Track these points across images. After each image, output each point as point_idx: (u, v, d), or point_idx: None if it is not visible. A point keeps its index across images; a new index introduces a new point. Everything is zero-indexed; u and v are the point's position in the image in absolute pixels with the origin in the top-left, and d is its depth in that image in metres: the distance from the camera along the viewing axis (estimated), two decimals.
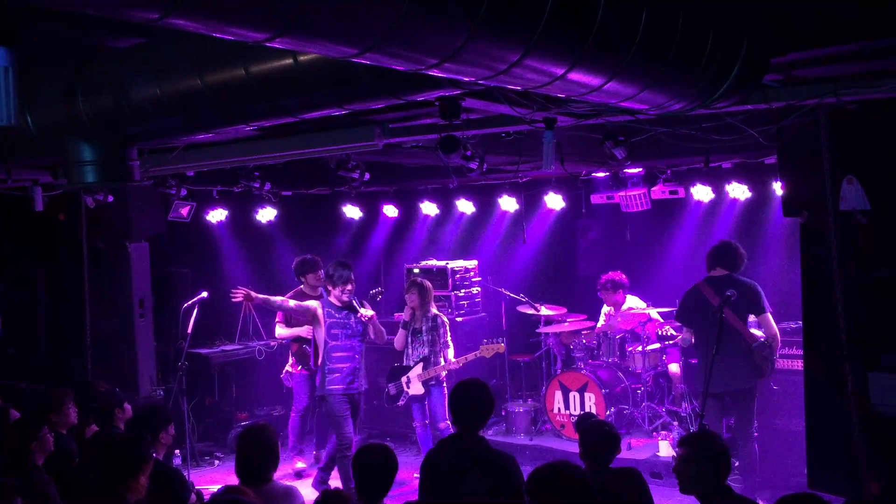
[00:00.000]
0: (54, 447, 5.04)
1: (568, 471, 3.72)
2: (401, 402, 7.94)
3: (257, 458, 4.31)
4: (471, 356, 7.87)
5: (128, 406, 5.74)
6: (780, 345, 6.87)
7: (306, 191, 9.70)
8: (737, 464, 7.45)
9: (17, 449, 4.83)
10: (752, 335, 6.79)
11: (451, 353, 7.88)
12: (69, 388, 5.99)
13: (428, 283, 8.01)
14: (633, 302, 8.77)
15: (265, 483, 4.23)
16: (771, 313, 6.83)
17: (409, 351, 7.91)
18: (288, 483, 4.78)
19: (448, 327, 7.96)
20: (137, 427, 5.06)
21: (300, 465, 8.39)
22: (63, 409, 5.60)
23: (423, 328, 7.83)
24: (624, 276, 8.77)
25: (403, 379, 7.86)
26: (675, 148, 5.82)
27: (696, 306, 6.95)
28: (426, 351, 7.80)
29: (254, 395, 10.00)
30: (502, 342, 7.88)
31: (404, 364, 7.93)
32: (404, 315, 7.95)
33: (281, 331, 8.47)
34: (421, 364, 7.78)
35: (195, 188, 8.29)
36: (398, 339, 7.97)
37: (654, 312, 8.51)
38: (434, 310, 7.95)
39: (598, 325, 8.94)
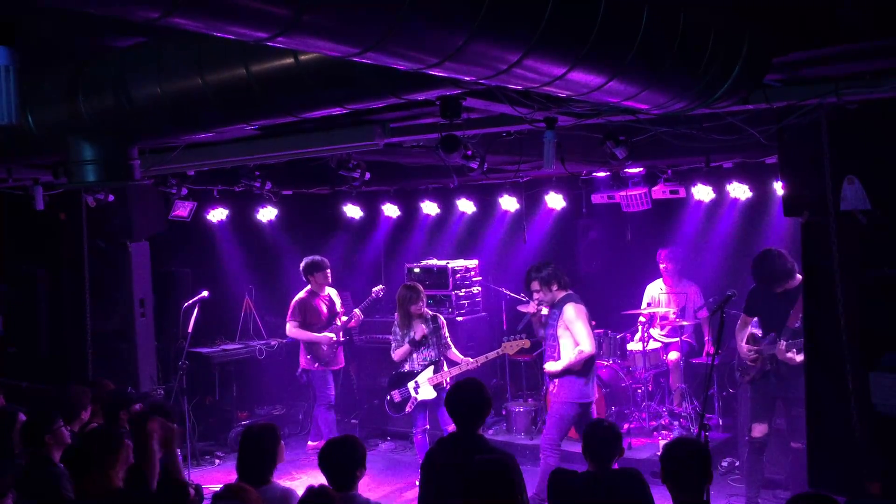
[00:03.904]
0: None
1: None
2: (408, 409, 7.61)
3: (256, 459, 4.32)
4: (492, 354, 7.50)
5: (138, 408, 5.71)
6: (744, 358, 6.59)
7: (307, 190, 9.69)
8: (737, 464, 7.47)
9: (30, 441, 4.82)
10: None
11: (455, 351, 7.64)
12: (87, 387, 5.98)
13: (406, 292, 7.59)
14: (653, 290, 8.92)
15: (264, 484, 4.22)
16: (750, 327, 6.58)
17: (414, 356, 7.57)
18: (287, 485, 4.77)
19: (445, 325, 7.72)
20: (138, 421, 5.07)
21: None
22: (84, 407, 5.59)
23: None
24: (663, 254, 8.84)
25: (411, 384, 7.53)
26: (676, 148, 5.82)
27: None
28: (434, 353, 7.53)
29: (254, 394, 10.02)
30: (524, 337, 7.38)
31: (407, 370, 7.59)
32: (416, 335, 7.49)
33: (295, 331, 8.59)
34: (431, 367, 7.48)
35: (196, 187, 8.29)
36: (401, 353, 7.56)
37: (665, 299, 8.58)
38: (428, 311, 7.70)
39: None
